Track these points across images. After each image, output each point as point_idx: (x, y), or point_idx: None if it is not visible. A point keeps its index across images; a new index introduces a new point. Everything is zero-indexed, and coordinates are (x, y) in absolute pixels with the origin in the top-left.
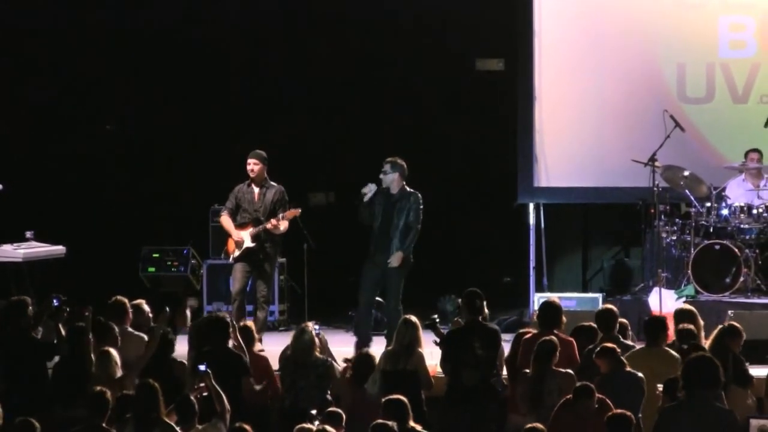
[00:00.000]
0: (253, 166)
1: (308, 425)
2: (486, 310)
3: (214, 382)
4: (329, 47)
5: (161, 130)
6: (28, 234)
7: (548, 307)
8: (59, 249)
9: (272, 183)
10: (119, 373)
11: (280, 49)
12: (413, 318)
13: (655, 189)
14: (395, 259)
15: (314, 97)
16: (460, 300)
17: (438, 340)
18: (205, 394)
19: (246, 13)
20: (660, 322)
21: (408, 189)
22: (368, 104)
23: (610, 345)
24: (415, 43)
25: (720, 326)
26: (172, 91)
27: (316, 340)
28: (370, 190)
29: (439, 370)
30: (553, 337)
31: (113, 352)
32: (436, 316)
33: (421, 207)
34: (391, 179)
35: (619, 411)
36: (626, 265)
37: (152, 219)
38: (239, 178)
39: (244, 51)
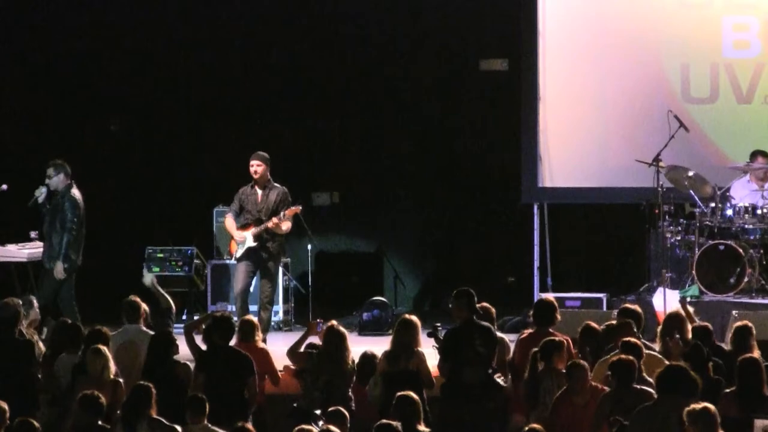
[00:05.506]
0: (256, 167)
1: (308, 426)
2: (493, 309)
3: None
4: (333, 47)
5: (166, 129)
6: (33, 234)
7: (543, 304)
8: None
9: (276, 184)
10: (112, 372)
11: (284, 49)
12: (413, 317)
13: (660, 189)
14: (57, 272)
15: (317, 98)
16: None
17: (437, 346)
18: None
19: (248, 11)
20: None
21: (69, 192)
22: (372, 104)
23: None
24: (419, 44)
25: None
26: (176, 90)
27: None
28: (41, 193)
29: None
30: (555, 338)
31: (105, 350)
32: (438, 324)
33: (75, 211)
34: (57, 182)
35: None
36: (630, 266)
37: (157, 219)
38: (244, 178)
39: (247, 50)
